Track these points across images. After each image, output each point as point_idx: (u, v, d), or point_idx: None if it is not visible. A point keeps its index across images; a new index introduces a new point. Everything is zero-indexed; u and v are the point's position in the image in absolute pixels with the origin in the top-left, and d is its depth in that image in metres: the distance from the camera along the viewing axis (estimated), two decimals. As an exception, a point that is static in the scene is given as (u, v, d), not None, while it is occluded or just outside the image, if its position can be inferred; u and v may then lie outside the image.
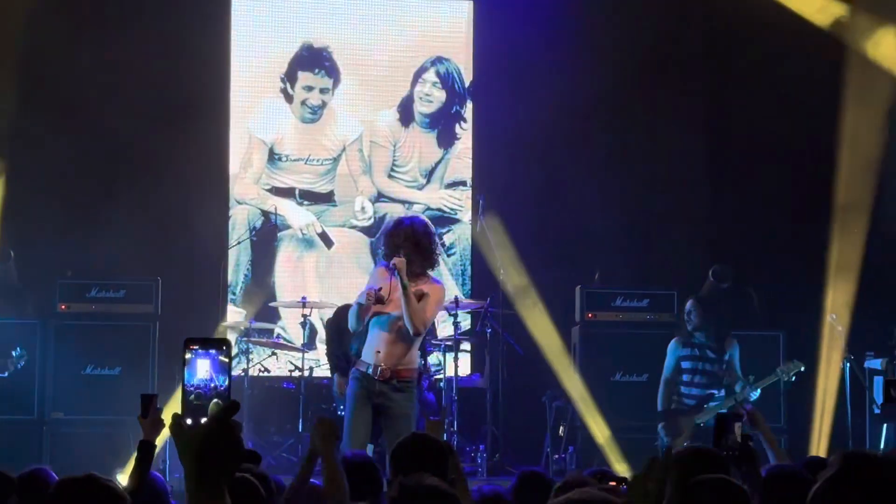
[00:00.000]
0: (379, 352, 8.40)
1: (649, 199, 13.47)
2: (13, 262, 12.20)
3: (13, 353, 10.89)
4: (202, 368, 2.40)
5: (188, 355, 2.41)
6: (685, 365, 11.06)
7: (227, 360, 2.41)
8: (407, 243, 8.47)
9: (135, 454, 5.50)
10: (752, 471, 5.19)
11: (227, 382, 2.40)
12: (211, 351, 2.41)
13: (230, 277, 13.27)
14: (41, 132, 12.72)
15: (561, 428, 11.95)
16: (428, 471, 4.21)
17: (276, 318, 13.13)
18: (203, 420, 2.35)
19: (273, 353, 12.56)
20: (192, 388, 2.39)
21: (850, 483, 3.11)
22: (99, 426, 10.94)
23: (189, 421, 2.36)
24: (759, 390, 10.75)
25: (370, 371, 8.40)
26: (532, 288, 12.63)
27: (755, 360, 11.91)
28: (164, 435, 11.07)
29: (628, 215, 13.33)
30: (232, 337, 12.71)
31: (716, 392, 11.01)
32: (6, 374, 10.79)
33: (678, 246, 13.36)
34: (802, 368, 10.83)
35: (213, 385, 2.39)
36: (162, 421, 5.81)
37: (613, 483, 4.54)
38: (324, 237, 13.47)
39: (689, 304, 11.19)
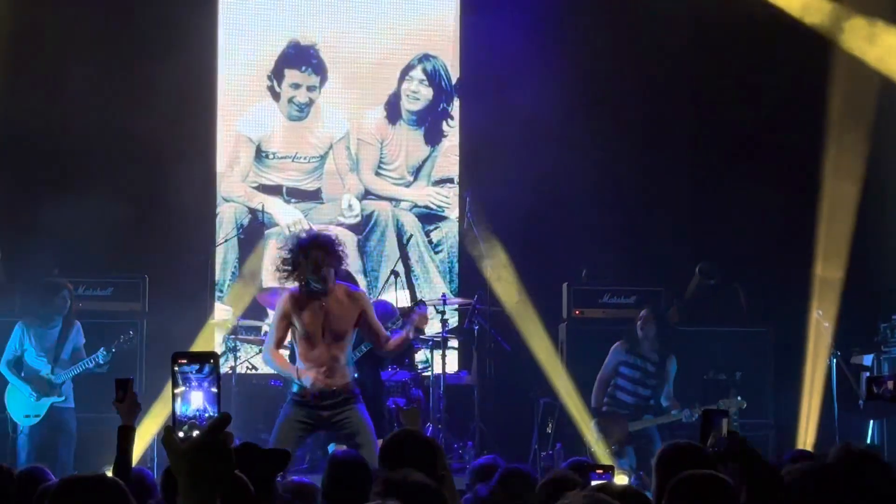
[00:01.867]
0: (323, 373, 8.30)
1: (636, 196, 13.49)
2: (0, 260, 12.17)
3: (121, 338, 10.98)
4: (195, 400, 2.40)
5: (181, 386, 2.40)
6: (624, 371, 11.13)
7: (217, 388, 2.42)
8: (322, 252, 8.30)
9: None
10: (739, 467, 5.19)
11: (218, 411, 2.40)
12: (203, 380, 2.40)
13: (217, 275, 13.26)
14: (28, 131, 12.70)
15: (549, 425, 11.95)
16: (417, 467, 4.22)
17: (264, 315, 13.11)
18: (195, 434, 2.36)
19: (260, 351, 12.55)
20: (185, 419, 2.39)
21: (846, 477, 3.13)
22: (86, 424, 10.90)
23: (181, 434, 2.36)
24: (696, 416, 10.83)
25: (315, 393, 8.26)
26: (520, 285, 12.65)
27: (743, 356, 11.96)
28: (152, 433, 11.10)
29: (615, 212, 13.34)
30: (219, 335, 12.71)
31: (651, 402, 11.10)
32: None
33: (665, 243, 13.36)
34: (744, 406, 10.88)
35: (206, 416, 2.39)
36: (138, 404, 5.82)
37: (600, 471, 4.55)
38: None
39: (645, 313, 11.18)
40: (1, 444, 10.68)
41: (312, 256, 8.26)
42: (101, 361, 10.74)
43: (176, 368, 2.41)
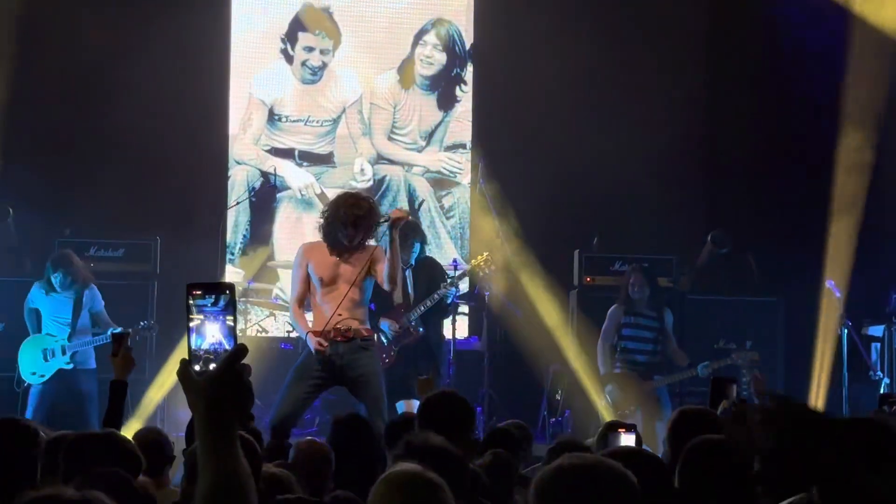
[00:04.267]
0: (341, 315, 8.24)
1: (649, 163, 13.42)
2: (12, 221, 12.18)
3: (141, 324, 10.92)
4: (210, 333, 2.35)
5: (197, 318, 2.36)
6: (628, 332, 11.17)
7: (233, 321, 2.36)
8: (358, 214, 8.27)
9: (136, 409, 5.54)
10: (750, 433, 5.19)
11: (234, 343, 2.35)
12: (218, 312, 2.35)
13: (229, 237, 13.25)
14: (41, 93, 12.71)
15: (558, 392, 11.96)
16: (455, 429, 4.21)
17: (275, 278, 13.13)
18: (212, 367, 2.31)
19: (271, 314, 12.58)
20: (200, 353, 2.34)
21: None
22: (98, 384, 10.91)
23: (197, 368, 2.32)
24: (710, 371, 10.89)
25: (332, 336, 8.22)
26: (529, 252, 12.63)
27: (753, 326, 11.94)
28: (161, 395, 11.11)
29: (628, 179, 13.30)
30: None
31: (662, 357, 11.17)
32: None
33: (677, 211, 13.35)
34: (757, 358, 10.96)
35: (223, 350, 2.34)
36: (133, 360, 5.88)
37: (623, 429, 4.53)
38: (323, 199, 13.46)
39: (635, 275, 11.22)
40: (9, 401, 10.68)
41: (350, 215, 8.24)
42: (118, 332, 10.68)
43: (190, 301, 2.35)
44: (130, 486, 3.69)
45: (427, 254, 10.85)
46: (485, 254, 10.72)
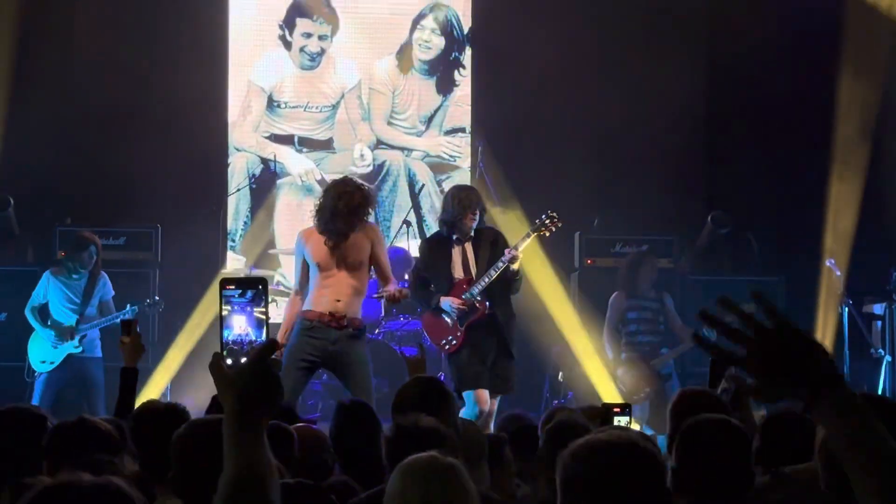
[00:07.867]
0: (339, 301, 8.27)
1: (649, 145, 13.44)
2: (13, 210, 12.20)
3: (146, 301, 11.00)
4: (238, 325, 2.43)
5: (226, 310, 2.43)
6: (633, 315, 11.25)
7: (262, 314, 2.44)
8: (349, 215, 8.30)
9: (138, 397, 5.55)
10: (746, 414, 5.21)
11: (263, 336, 2.43)
12: (245, 305, 2.43)
13: (230, 225, 13.27)
14: (42, 78, 12.70)
15: (560, 374, 11.98)
16: (430, 414, 4.22)
17: (276, 265, 13.15)
18: (242, 360, 2.38)
19: (273, 301, 12.59)
20: (227, 344, 2.42)
21: None
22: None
23: (229, 361, 2.39)
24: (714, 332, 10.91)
25: (327, 320, 8.26)
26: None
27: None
28: (165, 381, 11.09)
29: (627, 161, 13.31)
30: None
31: (662, 337, 11.26)
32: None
33: (677, 192, 13.36)
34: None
35: (249, 340, 2.42)
36: (142, 346, 5.89)
37: (618, 409, 4.55)
38: (323, 184, 13.46)
39: (649, 259, 11.33)
40: (14, 391, 10.70)
41: (341, 214, 8.25)
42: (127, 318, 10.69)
43: (222, 293, 2.44)
44: (113, 469, 3.72)
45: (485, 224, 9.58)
46: (549, 212, 9.63)
